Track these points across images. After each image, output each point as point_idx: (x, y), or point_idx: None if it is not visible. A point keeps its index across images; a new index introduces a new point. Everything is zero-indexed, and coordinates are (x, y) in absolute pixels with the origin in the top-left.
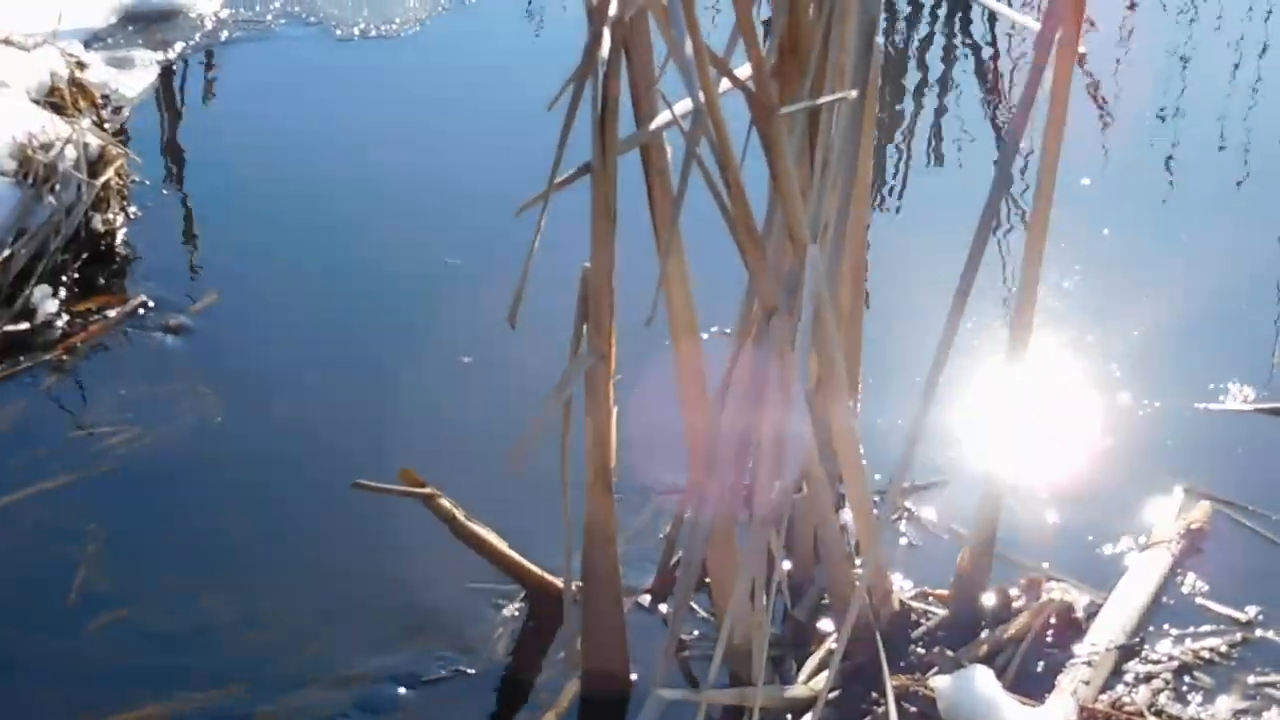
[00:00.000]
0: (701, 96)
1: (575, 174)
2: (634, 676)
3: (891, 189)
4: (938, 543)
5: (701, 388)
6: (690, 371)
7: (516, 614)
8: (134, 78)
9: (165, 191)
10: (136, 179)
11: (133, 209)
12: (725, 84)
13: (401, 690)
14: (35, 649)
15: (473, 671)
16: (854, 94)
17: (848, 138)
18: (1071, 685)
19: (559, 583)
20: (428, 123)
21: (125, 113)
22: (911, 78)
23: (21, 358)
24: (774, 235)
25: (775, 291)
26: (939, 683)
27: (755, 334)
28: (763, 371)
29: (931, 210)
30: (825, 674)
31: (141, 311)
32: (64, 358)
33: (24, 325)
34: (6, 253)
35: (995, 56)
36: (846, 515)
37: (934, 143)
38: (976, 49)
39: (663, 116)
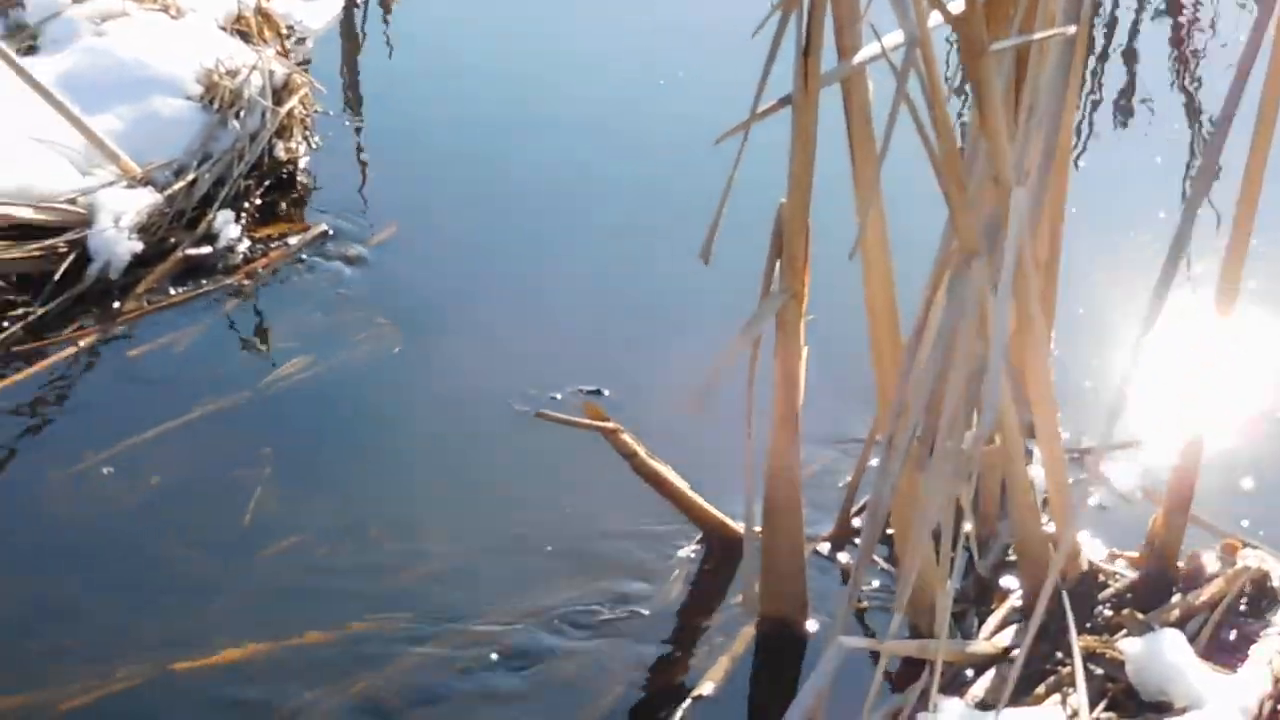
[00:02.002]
0: (915, 28)
1: (776, 105)
2: (811, 624)
3: (1083, 137)
4: (1128, 504)
5: (894, 331)
6: (883, 314)
7: (693, 555)
8: (318, 9)
9: (346, 122)
10: (319, 109)
11: (314, 138)
12: (935, 18)
13: (572, 628)
14: (210, 570)
15: (646, 612)
16: (1071, 30)
17: (1056, 79)
18: (1267, 655)
19: (737, 525)
20: (618, 54)
21: (308, 43)
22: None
23: (203, 281)
24: (975, 178)
25: (976, 235)
26: (1128, 646)
27: (952, 278)
28: (958, 317)
29: (1123, 158)
30: (1009, 630)
31: (321, 240)
32: (244, 283)
33: (206, 249)
34: (191, 176)
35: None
36: (1035, 470)
37: (1128, 92)
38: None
39: (870, 48)
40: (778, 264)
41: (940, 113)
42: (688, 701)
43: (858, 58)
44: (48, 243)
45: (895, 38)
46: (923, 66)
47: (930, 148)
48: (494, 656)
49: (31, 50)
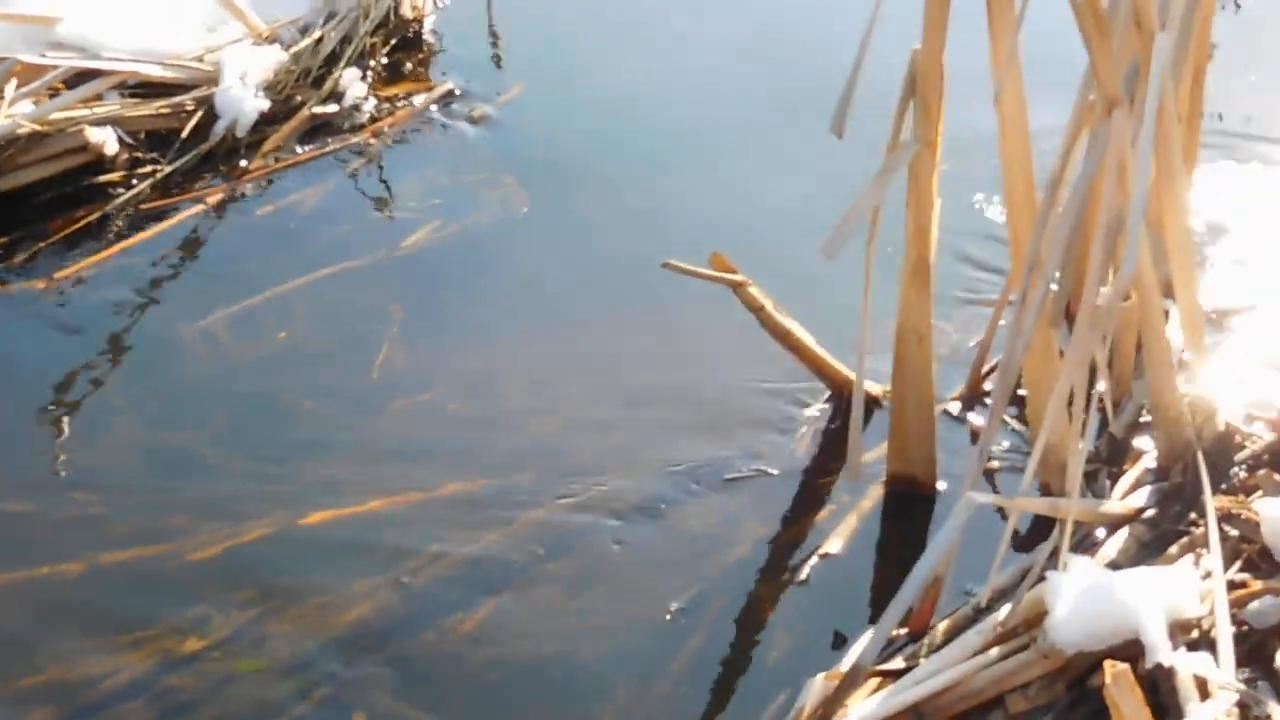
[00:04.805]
0: None
1: None
2: (940, 485)
3: None
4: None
5: (1029, 183)
6: (1018, 166)
7: (820, 413)
8: None
9: None
10: None
11: None
12: None
13: (698, 484)
14: (338, 425)
15: (774, 470)
16: None
17: None
18: None
19: (867, 383)
20: None
21: None
22: None
23: (329, 140)
24: (1117, 23)
25: (1118, 83)
26: (1264, 507)
27: (1091, 128)
28: (1096, 168)
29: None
30: (1142, 492)
31: (448, 99)
32: (370, 141)
33: (332, 107)
34: (317, 34)
35: None
36: (1172, 329)
37: None
38: None
39: None
40: (908, 113)
41: None
42: (815, 558)
43: None
44: (175, 100)
45: None
46: None
47: None
48: (621, 511)
49: None
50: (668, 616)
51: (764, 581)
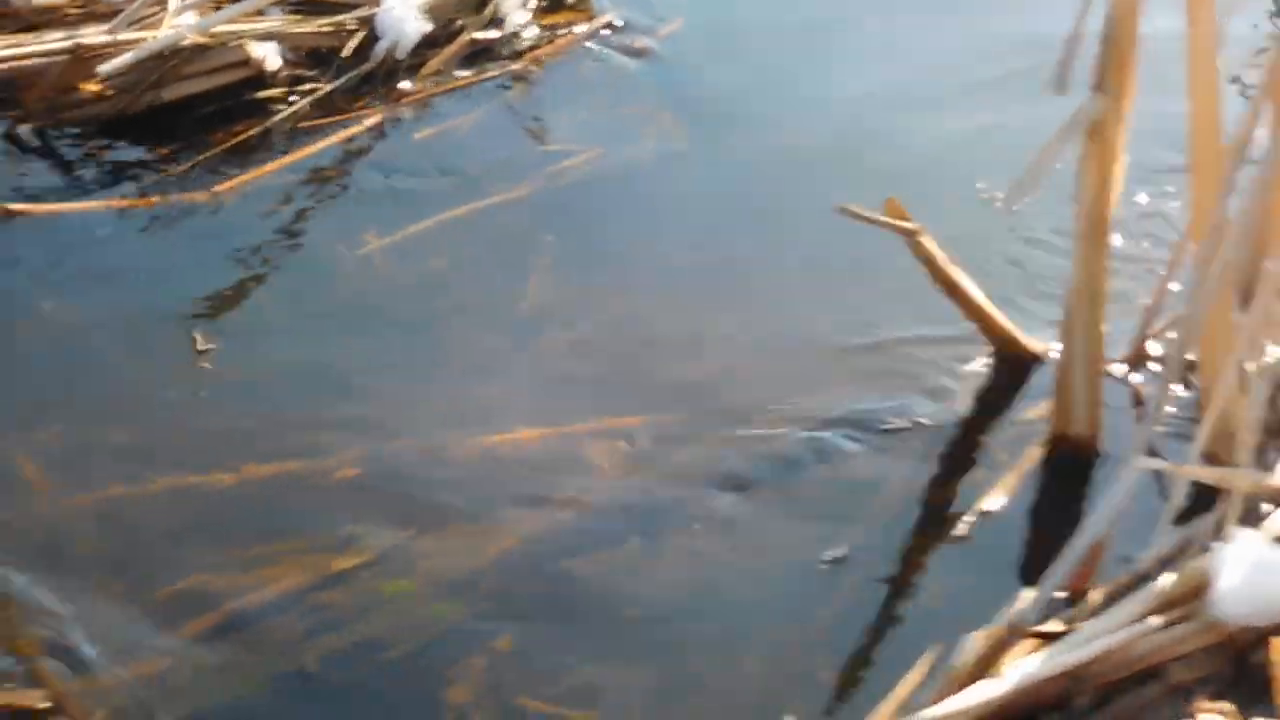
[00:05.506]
0: None
1: None
2: (1101, 447)
3: None
4: None
5: (1215, 142)
6: (1205, 123)
7: (982, 369)
8: None
9: None
10: None
11: None
12: None
13: (853, 435)
14: (487, 354)
15: (931, 424)
16: None
17: None
18: None
19: (1029, 341)
20: None
21: None
22: None
23: (488, 65)
24: None
25: None
26: None
27: None
28: None
29: None
30: None
31: (607, 31)
32: (529, 69)
33: (493, 33)
34: None
35: None
36: None
37: None
38: None
39: None
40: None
41: None
42: (971, 515)
43: None
44: (337, 19)
45: None
46: None
47: None
48: (773, 456)
49: None
50: (820, 565)
51: (918, 535)
